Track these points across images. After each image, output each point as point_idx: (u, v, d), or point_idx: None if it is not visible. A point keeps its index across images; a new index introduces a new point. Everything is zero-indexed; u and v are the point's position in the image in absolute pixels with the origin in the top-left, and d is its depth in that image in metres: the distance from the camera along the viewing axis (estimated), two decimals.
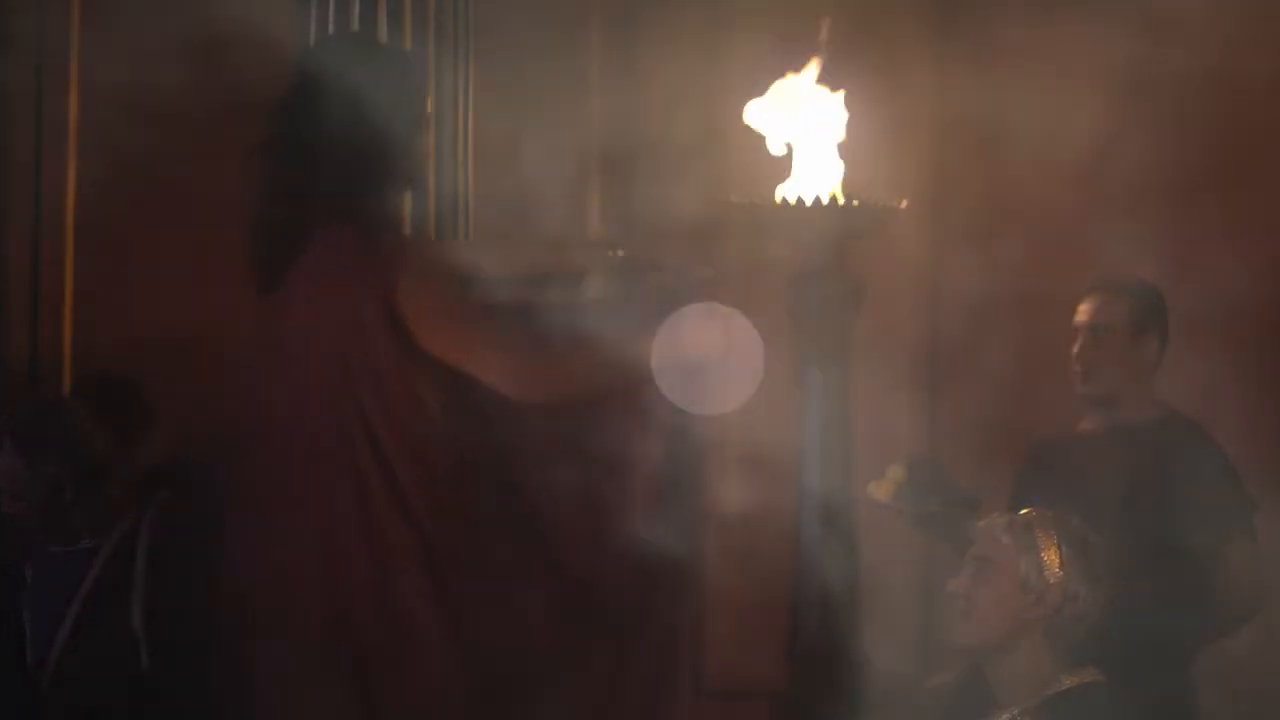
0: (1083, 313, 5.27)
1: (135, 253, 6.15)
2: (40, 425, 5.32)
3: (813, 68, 4.82)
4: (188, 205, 5.95)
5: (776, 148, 4.86)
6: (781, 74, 4.84)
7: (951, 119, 6.36)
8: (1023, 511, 4.18)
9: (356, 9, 5.50)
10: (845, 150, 4.86)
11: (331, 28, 5.41)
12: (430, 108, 4.38)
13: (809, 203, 4.74)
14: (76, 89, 6.21)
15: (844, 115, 4.85)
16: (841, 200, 4.78)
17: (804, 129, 4.87)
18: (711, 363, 4.18)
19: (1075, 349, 5.26)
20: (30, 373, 6.06)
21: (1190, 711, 5.15)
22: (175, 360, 5.85)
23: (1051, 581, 4.05)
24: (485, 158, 5.63)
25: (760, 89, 4.83)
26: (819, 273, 4.82)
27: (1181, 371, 5.40)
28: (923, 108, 6.35)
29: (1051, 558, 4.06)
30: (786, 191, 4.83)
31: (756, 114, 4.84)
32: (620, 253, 4.84)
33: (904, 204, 4.86)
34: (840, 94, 4.83)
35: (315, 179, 4.10)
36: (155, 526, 5.22)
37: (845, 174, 4.85)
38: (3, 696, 5.24)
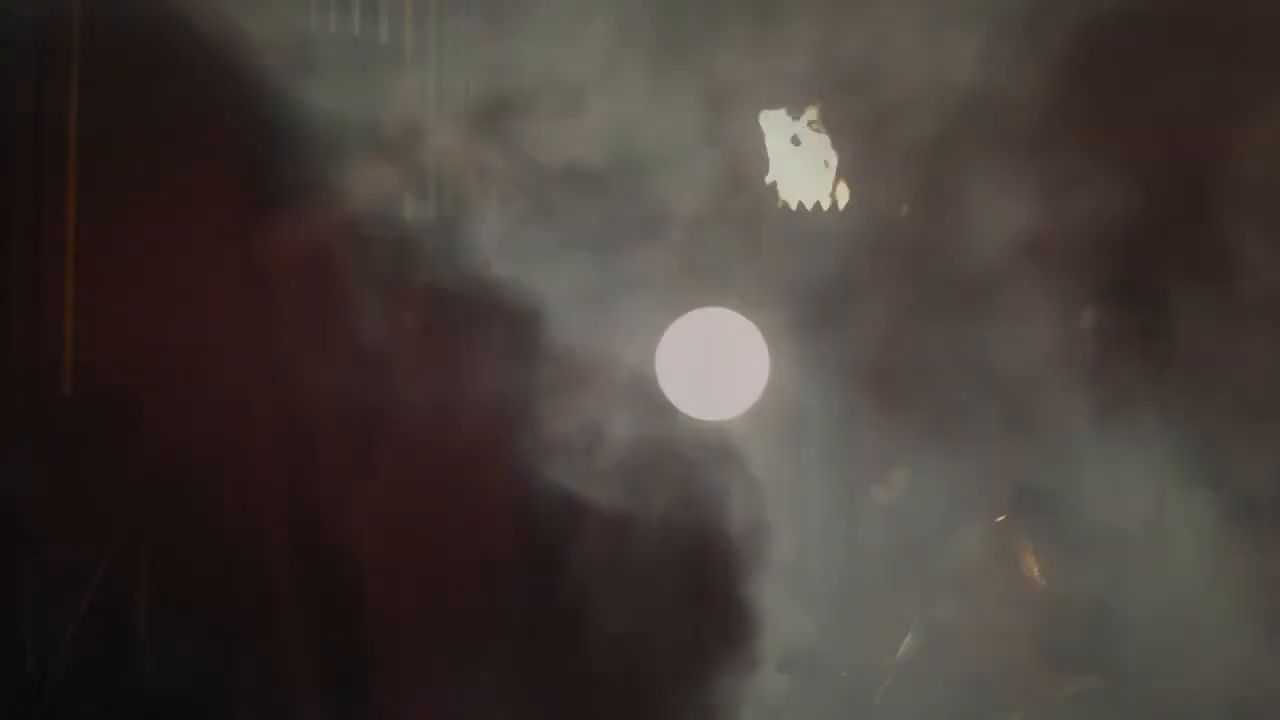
0: (1089, 315, 5.30)
1: (137, 256, 6.13)
2: (47, 428, 5.34)
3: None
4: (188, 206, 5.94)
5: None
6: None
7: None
8: (999, 519, 4.19)
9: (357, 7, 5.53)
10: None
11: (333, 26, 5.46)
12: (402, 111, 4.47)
13: (809, 208, 4.75)
14: (77, 88, 6.19)
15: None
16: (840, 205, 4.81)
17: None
18: (715, 367, 4.20)
19: (1079, 352, 5.28)
20: (31, 377, 6.03)
21: (1191, 713, 5.16)
22: (175, 365, 5.83)
23: (1035, 588, 4.06)
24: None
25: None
26: (815, 274, 4.84)
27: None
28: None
29: (1031, 564, 4.07)
30: (786, 195, 4.84)
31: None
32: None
33: (905, 210, 4.87)
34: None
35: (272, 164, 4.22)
36: (158, 532, 5.23)
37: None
38: (5, 705, 5.25)
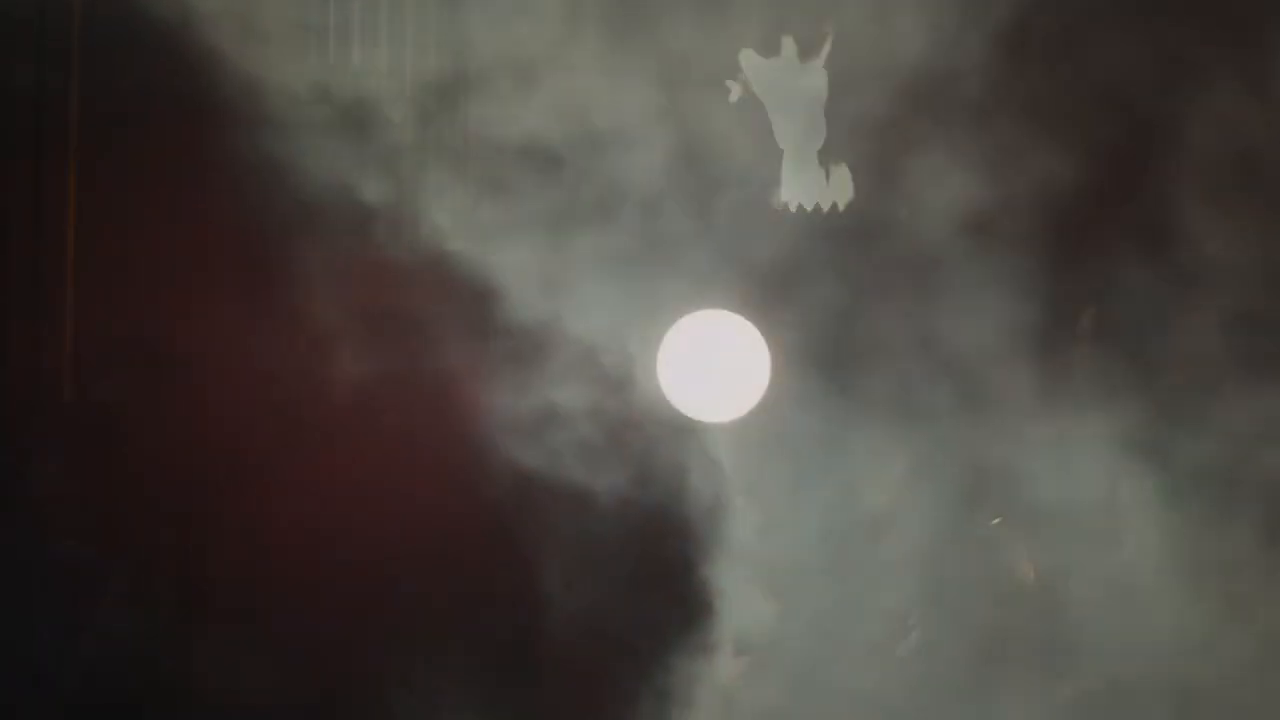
0: (1086, 319, 5.31)
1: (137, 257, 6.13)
2: (50, 430, 5.36)
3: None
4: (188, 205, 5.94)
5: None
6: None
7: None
8: (994, 522, 4.20)
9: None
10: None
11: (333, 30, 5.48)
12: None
13: (809, 209, 4.76)
14: (77, 88, 6.19)
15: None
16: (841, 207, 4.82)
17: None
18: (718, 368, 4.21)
19: (1079, 355, 5.29)
20: (34, 379, 6.04)
21: (1188, 713, 5.16)
22: (178, 366, 5.83)
23: (1031, 590, 4.07)
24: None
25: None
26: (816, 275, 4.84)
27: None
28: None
29: (1026, 568, 4.09)
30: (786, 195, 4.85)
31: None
32: None
33: (905, 214, 4.88)
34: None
35: None
36: (164, 533, 5.24)
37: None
38: (18, 702, 5.26)
